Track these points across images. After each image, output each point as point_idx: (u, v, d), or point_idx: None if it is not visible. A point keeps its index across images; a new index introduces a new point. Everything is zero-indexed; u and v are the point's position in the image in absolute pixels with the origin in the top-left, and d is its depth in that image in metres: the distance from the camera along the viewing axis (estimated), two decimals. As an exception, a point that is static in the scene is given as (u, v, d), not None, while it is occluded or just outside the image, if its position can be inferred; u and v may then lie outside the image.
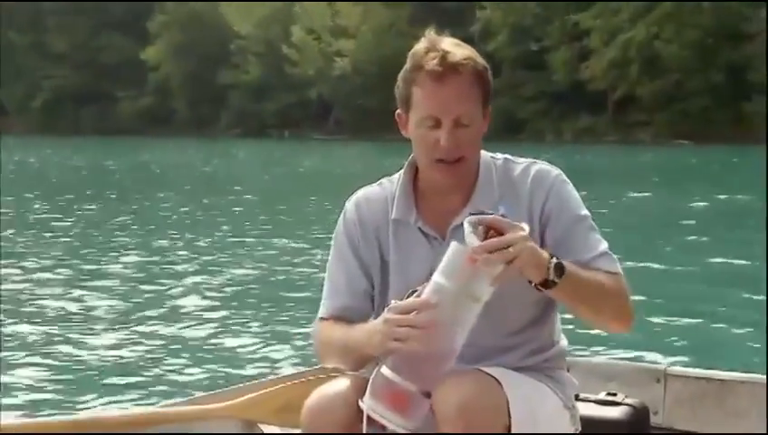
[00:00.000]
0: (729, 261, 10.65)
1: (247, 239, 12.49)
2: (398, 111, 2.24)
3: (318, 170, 28.57)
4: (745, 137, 41.37)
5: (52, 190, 20.73)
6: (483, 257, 1.92)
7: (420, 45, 2.19)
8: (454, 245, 1.98)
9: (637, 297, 2.16)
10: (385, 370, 1.95)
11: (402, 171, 2.28)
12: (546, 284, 2.01)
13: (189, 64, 66.07)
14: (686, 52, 45.99)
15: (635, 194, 18.61)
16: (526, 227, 2.01)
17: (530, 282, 2.04)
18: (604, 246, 2.20)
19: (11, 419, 3.72)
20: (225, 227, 13.79)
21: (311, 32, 61.32)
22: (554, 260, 2.02)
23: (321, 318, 2.29)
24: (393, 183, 2.29)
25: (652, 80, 46.63)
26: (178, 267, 10.16)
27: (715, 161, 30.91)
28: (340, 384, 2.10)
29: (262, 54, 63.27)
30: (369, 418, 1.94)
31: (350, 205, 2.32)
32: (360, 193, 2.33)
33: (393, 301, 2.07)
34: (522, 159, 2.27)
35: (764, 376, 2.85)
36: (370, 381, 1.97)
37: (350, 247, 2.27)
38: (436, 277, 1.96)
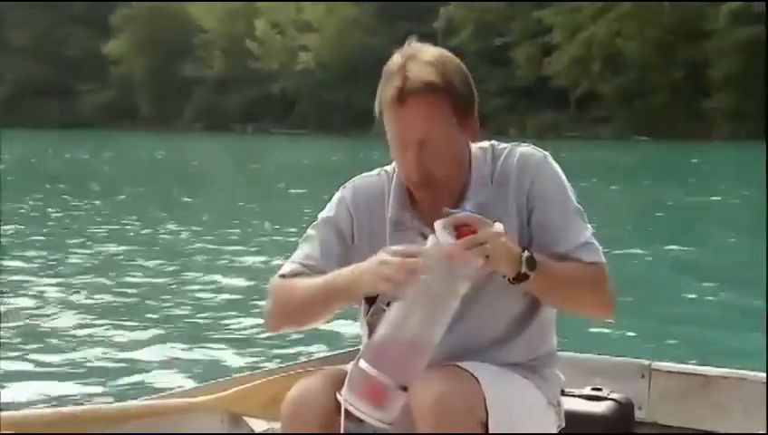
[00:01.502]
0: (700, 255, 10.92)
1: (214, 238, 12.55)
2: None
3: (285, 165, 28.57)
4: (704, 133, 41.94)
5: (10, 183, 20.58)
6: (459, 255, 1.92)
7: (393, 61, 2.12)
8: (431, 240, 1.97)
9: (621, 293, 2.19)
10: (362, 362, 1.93)
11: (397, 167, 2.23)
12: (519, 277, 2.01)
13: (152, 58, 65.69)
14: (646, 49, 46.53)
15: (596, 189, 18.85)
16: (499, 225, 2.01)
17: (503, 276, 2.04)
18: (587, 234, 2.17)
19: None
20: (201, 218, 13.81)
21: (274, 26, 61.22)
22: (526, 253, 2.02)
23: (283, 275, 2.22)
24: (389, 175, 2.25)
25: (614, 76, 47.12)
26: (148, 262, 10.20)
27: (674, 157, 31.29)
28: (320, 377, 2.10)
29: (225, 48, 63.06)
30: (346, 411, 1.94)
31: (346, 191, 2.27)
32: (358, 181, 2.28)
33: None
34: (505, 144, 2.25)
35: (747, 371, 2.86)
36: (348, 374, 1.96)
37: (334, 229, 2.22)
38: None
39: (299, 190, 18.96)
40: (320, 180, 16.74)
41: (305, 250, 2.23)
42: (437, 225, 1.97)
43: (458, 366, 2.05)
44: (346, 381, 1.94)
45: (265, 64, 59.84)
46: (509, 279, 2.03)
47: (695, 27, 45.20)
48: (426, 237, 2.08)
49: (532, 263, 2.01)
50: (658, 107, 45.33)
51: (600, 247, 2.16)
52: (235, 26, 62.76)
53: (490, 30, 52.57)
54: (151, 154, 34.37)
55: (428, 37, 2.19)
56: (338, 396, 1.95)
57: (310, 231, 2.27)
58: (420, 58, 2.10)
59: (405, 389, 1.93)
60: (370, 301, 2.16)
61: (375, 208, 2.22)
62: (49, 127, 61.41)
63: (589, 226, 2.19)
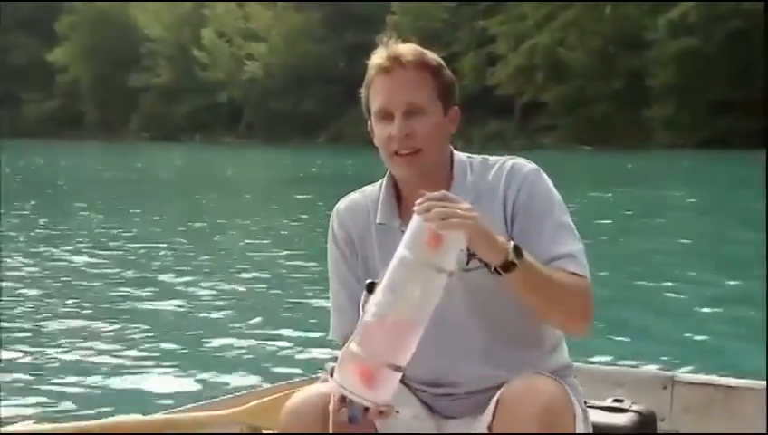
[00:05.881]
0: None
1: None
2: (369, 122, 2.23)
3: (234, 175, 28.61)
4: (644, 142, 42.86)
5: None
6: (439, 237, 1.88)
7: (379, 48, 2.20)
8: (416, 218, 1.93)
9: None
10: (353, 345, 1.92)
11: (385, 176, 2.28)
12: (506, 266, 1.97)
13: (98, 66, 65.19)
14: (588, 58, 47.37)
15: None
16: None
17: (488, 267, 2.00)
18: (573, 247, 2.14)
19: (19, 425, 3.96)
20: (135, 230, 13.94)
21: (221, 35, 61.17)
22: (512, 242, 1.99)
23: (341, 338, 2.29)
24: (376, 188, 2.30)
25: (557, 85, 47.88)
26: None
27: (611, 166, 31.80)
28: (319, 385, 2.15)
29: (172, 57, 62.84)
30: (343, 396, 1.93)
31: (333, 218, 2.32)
32: (342, 204, 2.33)
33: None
34: (498, 157, 2.27)
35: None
36: (339, 357, 1.95)
37: (345, 262, 2.29)
38: (400, 250, 1.94)
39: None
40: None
41: (335, 305, 2.33)
42: (415, 210, 1.95)
43: (543, 374, 2.08)
44: (337, 364, 1.94)
45: (212, 73, 59.76)
46: (495, 269, 1.99)
47: (634, 37, 46.03)
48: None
49: (518, 251, 1.98)
50: (600, 116, 46.05)
51: (588, 265, 2.12)
52: (182, 35, 62.59)
53: (435, 40, 53.08)
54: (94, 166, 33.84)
55: (373, 47, 2.23)
56: (330, 380, 1.96)
57: (329, 278, 2.34)
58: (407, 44, 2.21)
59: (398, 368, 1.92)
60: (371, 289, 2.14)
61: (362, 220, 2.27)
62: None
63: (579, 242, 2.16)
